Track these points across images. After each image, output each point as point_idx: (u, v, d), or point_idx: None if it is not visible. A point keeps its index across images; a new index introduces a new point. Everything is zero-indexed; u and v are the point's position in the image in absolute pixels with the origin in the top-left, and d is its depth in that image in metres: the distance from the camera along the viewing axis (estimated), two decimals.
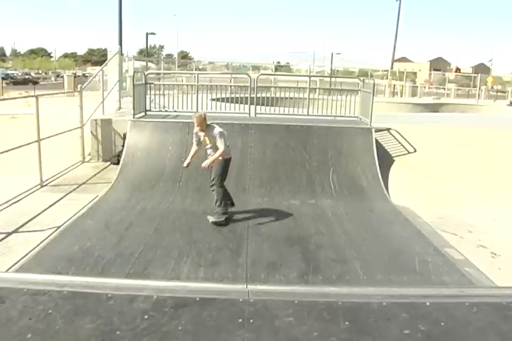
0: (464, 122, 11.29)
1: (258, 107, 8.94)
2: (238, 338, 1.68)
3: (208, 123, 5.49)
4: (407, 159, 7.93)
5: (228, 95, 10.09)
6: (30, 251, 4.37)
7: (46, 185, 6.63)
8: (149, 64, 20.02)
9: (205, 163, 5.36)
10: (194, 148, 5.71)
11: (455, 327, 1.81)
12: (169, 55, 66.33)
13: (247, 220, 5.60)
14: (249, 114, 8.78)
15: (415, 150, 8.12)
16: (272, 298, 1.93)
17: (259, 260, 4.46)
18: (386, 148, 8.20)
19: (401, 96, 23.83)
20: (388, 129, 8.64)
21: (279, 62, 50.36)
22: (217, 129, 5.41)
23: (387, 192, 6.91)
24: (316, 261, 4.48)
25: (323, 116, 9.01)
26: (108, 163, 8.00)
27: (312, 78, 12.63)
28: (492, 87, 30.08)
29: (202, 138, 5.53)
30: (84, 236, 4.82)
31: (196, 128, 5.53)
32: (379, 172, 7.22)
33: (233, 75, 15.69)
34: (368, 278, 4.13)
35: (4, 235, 4.71)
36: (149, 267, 4.19)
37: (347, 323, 1.77)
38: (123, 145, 7.71)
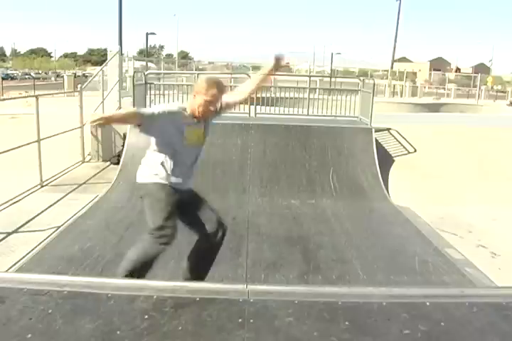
0: (464, 122, 11.29)
1: (258, 107, 8.94)
2: (238, 338, 1.68)
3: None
4: (407, 159, 7.93)
5: None
6: (30, 251, 4.36)
7: (46, 185, 6.63)
8: (149, 64, 20.02)
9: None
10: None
11: (455, 327, 1.81)
12: (169, 55, 66.43)
13: (247, 220, 5.60)
14: (249, 114, 8.77)
15: (415, 150, 8.12)
16: (272, 298, 1.93)
17: (259, 260, 4.45)
18: (386, 148, 8.19)
19: (401, 96, 23.84)
20: (388, 129, 8.64)
21: None
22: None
23: (387, 192, 6.90)
24: (316, 261, 4.47)
25: (323, 116, 9.00)
26: (108, 163, 8.00)
27: (312, 78, 12.62)
28: (492, 87, 30.09)
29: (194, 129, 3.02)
30: (84, 236, 4.81)
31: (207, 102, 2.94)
32: (379, 172, 7.21)
33: (233, 75, 15.69)
34: (368, 278, 4.12)
35: (4, 235, 4.71)
36: None
37: (347, 323, 1.77)
38: (123, 145, 7.71)
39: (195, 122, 3.02)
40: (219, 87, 2.99)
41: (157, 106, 3.20)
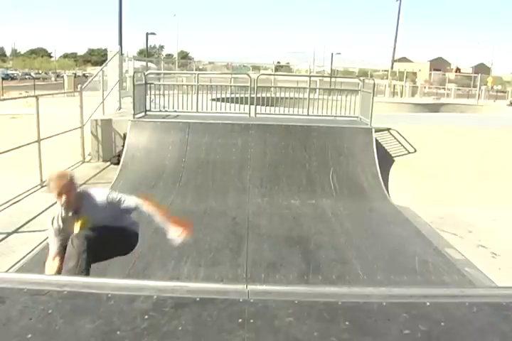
0: (464, 122, 11.29)
1: (258, 107, 8.94)
2: (238, 338, 1.68)
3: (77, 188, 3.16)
4: (407, 159, 7.93)
5: (228, 95, 10.09)
6: (31, 251, 4.36)
7: (46, 185, 6.62)
8: (149, 64, 20.03)
9: None
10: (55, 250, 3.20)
11: (455, 327, 1.80)
12: (169, 55, 66.49)
13: (247, 220, 5.60)
14: (249, 114, 8.78)
15: (415, 151, 8.12)
16: (272, 298, 1.92)
17: (259, 260, 4.45)
18: (386, 148, 8.19)
19: (401, 96, 23.82)
20: (388, 129, 8.63)
21: (279, 62, 50.47)
22: (102, 194, 3.21)
23: (387, 192, 6.90)
24: (316, 261, 4.47)
25: (323, 116, 9.00)
26: (108, 163, 8.00)
27: (312, 78, 12.63)
28: (492, 87, 30.08)
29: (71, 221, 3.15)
30: None
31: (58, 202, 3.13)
32: (379, 172, 7.22)
33: (233, 75, 15.71)
34: (368, 278, 4.13)
35: (4, 235, 4.71)
36: (149, 267, 4.18)
37: (347, 323, 1.77)
38: (123, 146, 7.71)
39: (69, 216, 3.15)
40: (55, 178, 3.08)
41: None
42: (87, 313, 1.81)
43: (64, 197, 3.03)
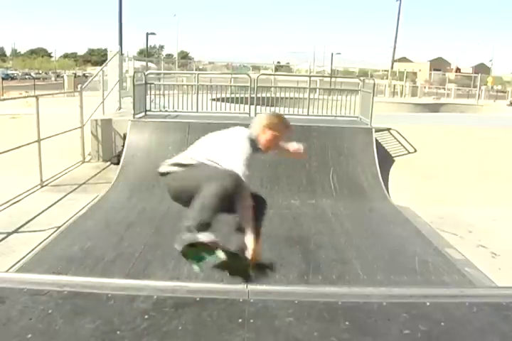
0: (464, 122, 11.29)
1: (258, 107, 8.93)
2: (238, 338, 1.68)
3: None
4: (407, 159, 7.93)
5: (228, 95, 10.09)
6: (31, 251, 4.36)
7: (46, 185, 6.63)
8: (149, 64, 20.03)
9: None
10: None
11: (455, 327, 1.80)
12: (169, 55, 66.55)
13: None
14: (249, 114, 8.77)
15: (415, 150, 8.12)
16: (272, 298, 1.93)
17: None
18: (386, 148, 8.19)
19: (401, 96, 23.82)
20: (388, 129, 8.63)
21: (279, 62, 50.52)
22: None
23: (387, 192, 6.90)
24: (316, 261, 4.46)
25: (323, 116, 9.00)
26: (108, 163, 8.00)
27: (312, 78, 12.63)
28: (492, 87, 30.09)
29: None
30: (84, 236, 4.81)
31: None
32: (379, 172, 7.21)
33: (233, 75, 15.71)
34: (368, 278, 4.12)
35: (4, 235, 4.71)
36: (149, 267, 4.18)
37: (347, 323, 1.77)
38: (123, 146, 7.70)
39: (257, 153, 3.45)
40: (290, 128, 3.53)
41: (239, 153, 3.26)
42: (87, 313, 1.81)
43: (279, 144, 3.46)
